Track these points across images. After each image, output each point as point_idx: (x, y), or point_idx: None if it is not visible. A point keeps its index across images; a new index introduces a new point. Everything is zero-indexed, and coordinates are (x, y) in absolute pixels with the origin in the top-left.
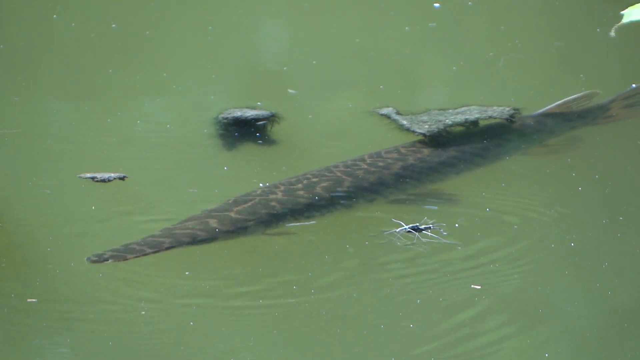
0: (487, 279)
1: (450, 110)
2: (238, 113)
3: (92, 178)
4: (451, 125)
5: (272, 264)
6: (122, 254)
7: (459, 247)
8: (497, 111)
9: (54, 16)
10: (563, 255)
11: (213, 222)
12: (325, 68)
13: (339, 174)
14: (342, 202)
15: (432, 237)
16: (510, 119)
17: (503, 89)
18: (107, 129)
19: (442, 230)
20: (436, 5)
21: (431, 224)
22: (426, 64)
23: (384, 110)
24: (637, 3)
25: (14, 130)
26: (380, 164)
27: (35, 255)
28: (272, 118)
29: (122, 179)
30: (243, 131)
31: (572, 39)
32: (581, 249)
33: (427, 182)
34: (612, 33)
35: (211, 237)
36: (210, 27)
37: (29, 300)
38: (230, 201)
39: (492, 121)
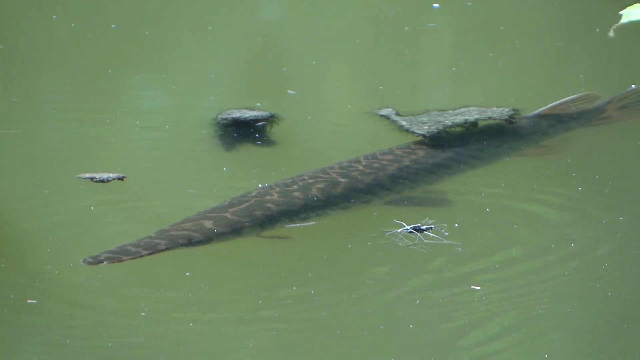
0: (487, 279)
1: (450, 111)
2: (237, 114)
3: (91, 178)
4: (450, 126)
5: (272, 264)
6: (117, 256)
7: (459, 248)
8: (497, 112)
9: (54, 16)
10: (563, 255)
11: (208, 224)
12: (325, 68)
13: (334, 175)
14: (338, 203)
15: (433, 238)
16: (510, 120)
17: (502, 89)
18: (107, 129)
19: (443, 230)
20: (436, 5)
21: (432, 224)
22: (426, 64)
23: (384, 111)
24: (636, 3)
25: (13, 131)
26: (376, 165)
27: (34, 255)
28: (271, 119)
29: (121, 179)
30: (242, 132)
31: (572, 39)
32: (581, 249)
33: (423, 183)
34: (611, 33)
35: (207, 239)
36: (210, 27)
37: (29, 301)
38: (225, 202)
39: (491, 122)
